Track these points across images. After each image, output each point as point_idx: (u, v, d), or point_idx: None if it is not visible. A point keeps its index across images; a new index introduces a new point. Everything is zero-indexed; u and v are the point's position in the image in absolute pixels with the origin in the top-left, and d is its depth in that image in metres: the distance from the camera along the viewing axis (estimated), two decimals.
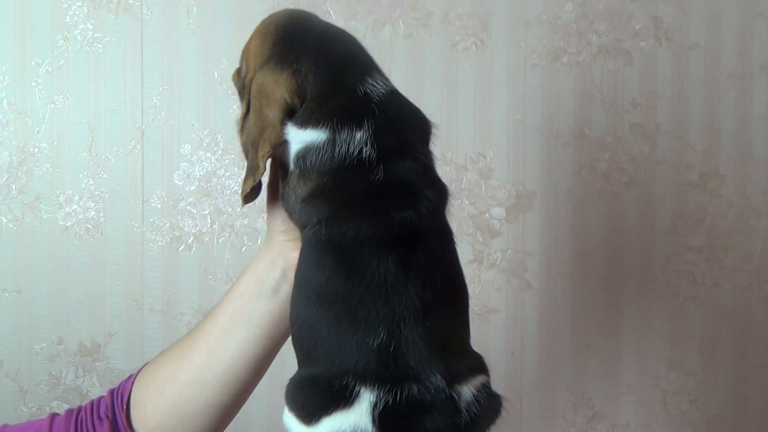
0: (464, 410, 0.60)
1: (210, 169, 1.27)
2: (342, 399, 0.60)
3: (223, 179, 1.27)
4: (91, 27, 1.26)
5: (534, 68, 1.29)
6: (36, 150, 1.26)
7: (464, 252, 1.30)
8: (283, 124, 0.66)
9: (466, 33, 1.28)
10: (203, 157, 1.27)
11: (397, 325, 0.60)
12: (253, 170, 0.67)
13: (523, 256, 1.31)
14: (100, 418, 0.77)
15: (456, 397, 0.60)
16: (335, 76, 0.67)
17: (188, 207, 1.27)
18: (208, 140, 1.27)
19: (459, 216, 1.28)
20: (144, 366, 0.80)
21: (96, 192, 1.27)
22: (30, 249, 1.26)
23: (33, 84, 1.25)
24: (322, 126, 0.65)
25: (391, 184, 0.64)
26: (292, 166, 0.67)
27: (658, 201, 1.31)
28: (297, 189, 0.66)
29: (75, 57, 1.26)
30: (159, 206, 1.27)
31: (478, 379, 0.63)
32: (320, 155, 0.64)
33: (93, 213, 1.27)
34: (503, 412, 0.65)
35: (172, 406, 0.75)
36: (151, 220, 1.27)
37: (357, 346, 0.61)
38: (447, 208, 0.68)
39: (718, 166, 1.31)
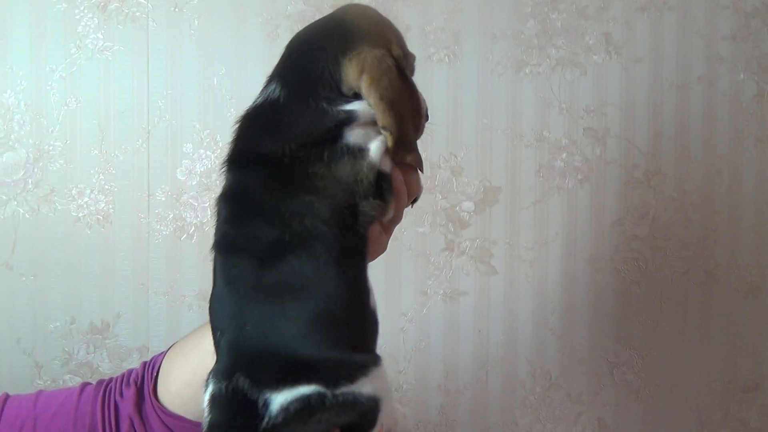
0: (267, 415, 0.59)
1: (210, 166, 1.39)
2: (204, 388, 0.64)
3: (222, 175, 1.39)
4: (102, 36, 1.36)
5: (500, 78, 1.43)
6: (51, 148, 1.36)
7: (437, 241, 1.43)
8: None
9: (440, 45, 1.42)
10: (204, 155, 1.38)
11: (223, 326, 0.64)
12: None
13: (489, 245, 1.44)
14: (128, 383, 0.81)
15: (258, 402, 0.60)
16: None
17: (190, 200, 1.38)
18: (208, 140, 1.38)
19: (433, 209, 1.42)
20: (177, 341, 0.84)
21: (106, 186, 1.37)
22: (45, 238, 1.36)
23: (48, 88, 1.36)
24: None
25: (222, 194, 0.69)
26: None
27: (608, 196, 1.46)
28: None
29: (86, 63, 1.36)
30: (163, 199, 1.38)
31: (302, 389, 0.60)
32: None
33: (103, 205, 1.37)
34: (324, 422, 0.60)
35: (193, 374, 0.77)
36: (156, 211, 1.38)
37: (214, 344, 0.66)
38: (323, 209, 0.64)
39: (661, 166, 1.46)
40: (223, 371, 0.62)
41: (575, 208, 1.45)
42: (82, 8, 1.36)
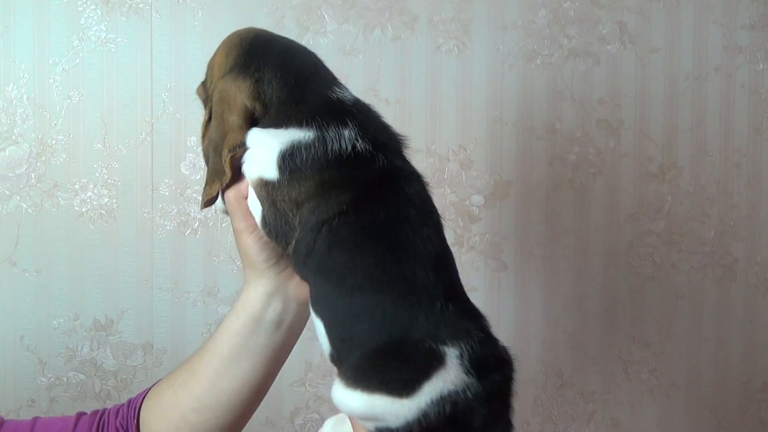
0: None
1: None
2: (435, 361, 0.63)
3: None
4: (104, 28, 1.35)
5: (511, 69, 1.40)
6: (53, 141, 1.35)
7: (446, 236, 1.39)
8: (243, 128, 0.70)
9: (449, 36, 1.39)
10: None
11: (446, 290, 0.67)
12: (219, 174, 0.71)
13: (499, 240, 1.42)
14: (116, 429, 0.80)
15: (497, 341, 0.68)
16: (302, 83, 0.72)
17: (194, 194, 1.37)
18: None
19: (442, 203, 1.39)
20: (154, 384, 0.83)
21: (109, 180, 1.36)
22: (48, 233, 1.35)
23: (50, 81, 1.34)
24: (306, 125, 0.68)
25: (397, 169, 0.70)
26: (275, 173, 0.68)
27: (622, 190, 1.43)
28: (290, 193, 0.68)
29: (89, 56, 1.35)
30: (167, 193, 1.37)
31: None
32: (311, 152, 0.67)
33: (106, 200, 1.36)
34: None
35: (176, 430, 0.78)
36: (160, 206, 1.37)
37: (426, 314, 0.65)
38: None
39: (677, 159, 1.43)
40: (469, 329, 0.66)
41: (588, 203, 1.43)
42: (84, 0, 1.34)
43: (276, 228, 0.70)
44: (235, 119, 0.70)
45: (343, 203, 0.66)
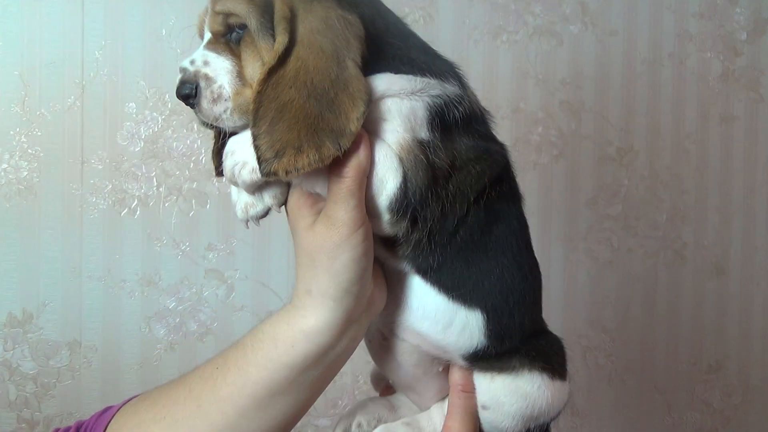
0: None
1: (156, 129, 1.22)
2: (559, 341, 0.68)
3: (171, 141, 1.22)
4: None
5: (477, 44, 1.35)
6: None
7: None
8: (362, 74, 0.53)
9: (414, 6, 1.32)
10: (149, 117, 1.21)
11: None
12: (334, 135, 0.51)
13: None
14: None
15: None
16: (404, 28, 0.59)
17: (132, 169, 1.21)
18: (154, 99, 1.21)
19: None
20: (123, 407, 0.63)
21: (29, 150, 1.18)
22: None
23: None
24: (451, 80, 0.57)
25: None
26: (427, 132, 0.54)
27: (583, 173, 1.41)
28: (448, 155, 0.55)
29: (7, 5, 1.17)
30: (100, 167, 1.21)
31: None
32: (462, 110, 0.56)
33: (26, 173, 1.18)
34: None
35: None
36: (92, 181, 1.20)
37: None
38: None
39: (633, 143, 1.44)
40: None
41: (551, 185, 1.41)
42: None
43: (419, 200, 0.54)
44: (357, 60, 0.52)
45: (498, 172, 0.58)
